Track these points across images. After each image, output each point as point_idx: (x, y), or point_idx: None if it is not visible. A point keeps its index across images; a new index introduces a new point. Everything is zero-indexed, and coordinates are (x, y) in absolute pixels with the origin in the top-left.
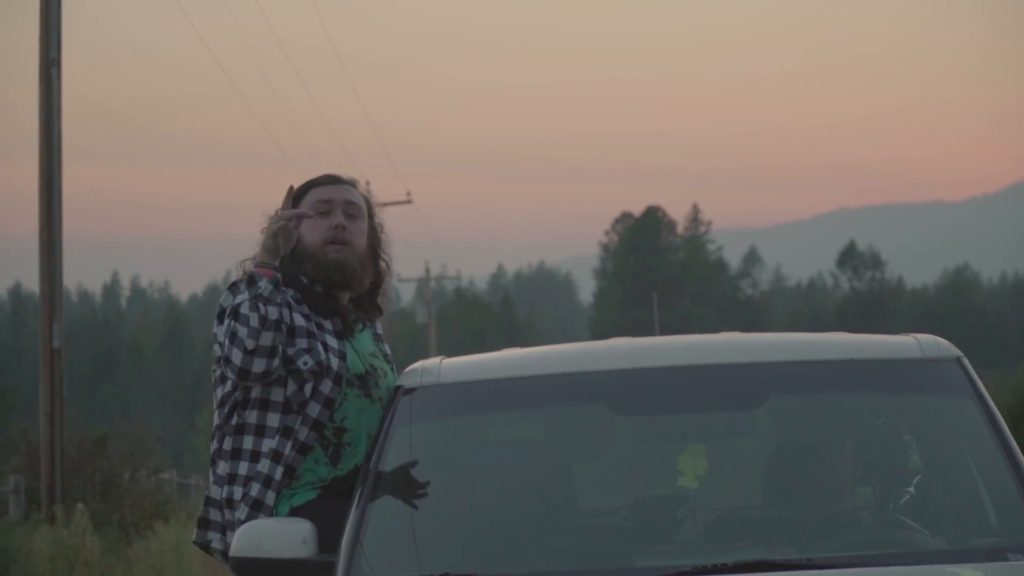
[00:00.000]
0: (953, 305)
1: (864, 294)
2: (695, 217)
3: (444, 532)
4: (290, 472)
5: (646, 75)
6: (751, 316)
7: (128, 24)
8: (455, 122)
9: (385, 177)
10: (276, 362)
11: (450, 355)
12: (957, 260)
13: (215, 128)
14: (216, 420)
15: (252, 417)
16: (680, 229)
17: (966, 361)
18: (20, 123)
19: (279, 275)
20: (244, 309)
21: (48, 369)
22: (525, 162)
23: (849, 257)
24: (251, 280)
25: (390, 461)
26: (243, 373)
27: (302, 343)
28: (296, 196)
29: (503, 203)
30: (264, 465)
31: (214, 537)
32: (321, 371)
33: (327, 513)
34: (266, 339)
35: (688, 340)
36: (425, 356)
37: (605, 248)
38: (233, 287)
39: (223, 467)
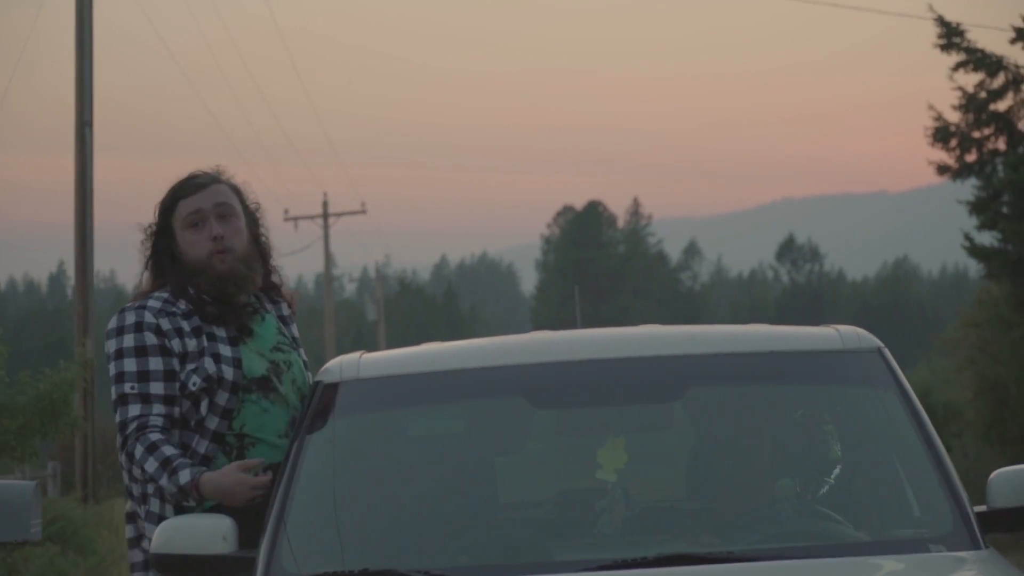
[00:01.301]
0: (891, 298)
1: (803, 286)
2: (636, 210)
3: (364, 527)
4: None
5: (590, 66)
6: (691, 308)
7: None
8: (398, 109)
9: (338, 183)
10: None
11: (397, 348)
12: (898, 252)
13: (157, 113)
14: (118, 439)
15: (153, 436)
16: (621, 223)
17: (887, 352)
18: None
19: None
20: (170, 488)
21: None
22: (467, 151)
23: (788, 250)
24: (174, 471)
25: (309, 456)
26: (144, 475)
27: (191, 366)
28: (165, 208)
29: (445, 192)
30: (164, 479)
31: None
32: (212, 386)
33: (244, 508)
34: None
35: (608, 333)
36: (374, 350)
37: (547, 241)
38: (120, 314)
39: (131, 485)
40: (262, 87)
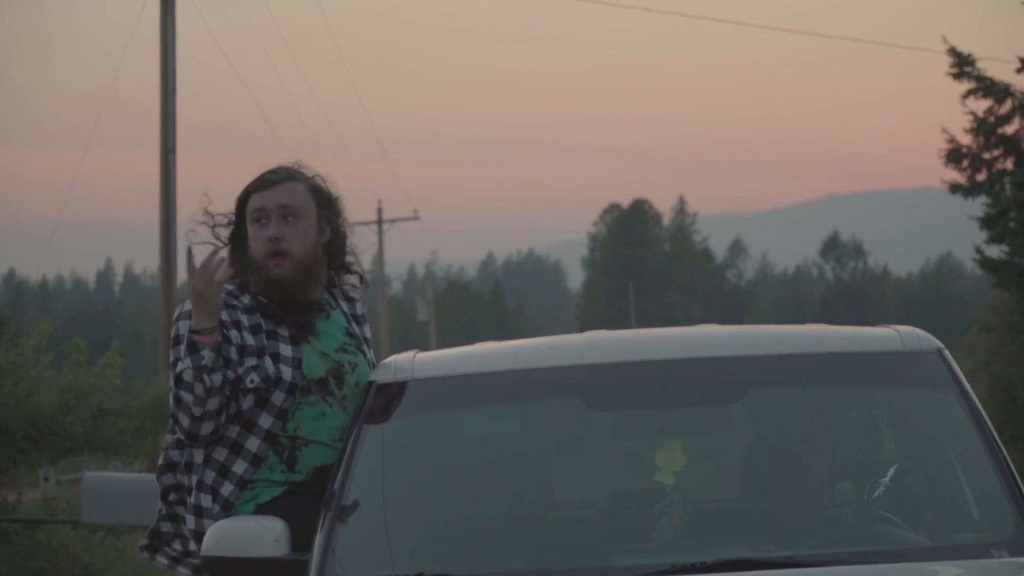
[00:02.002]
0: (935, 294)
1: (847, 283)
2: (681, 208)
3: (418, 531)
4: (242, 484)
5: (635, 60)
6: (736, 305)
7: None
8: (444, 107)
9: (388, 183)
10: (223, 419)
11: (446, 347)
12: (942, 248)
13: (207, 112)
14: (167, 440)
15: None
16: (666, 221)
17: (947, 353)
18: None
19: (220, 340)
20: (188, 377)
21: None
22: (514, 147)
23: (832, 247)
24: (192, 347)
25: (363, 457)
26: (191, 436)
27: (251, 361)
28: (240, 199)
29: (492, 188)
30: (209, 476)
31: (166, 544)
32: (269, 385)
33: (295, 510)
34: (212, 404)
35: (665, 333)
36: (425, 350)
37: (593, 238)
38: (184, 303)
39: (168, 479)
40: (315, 90)
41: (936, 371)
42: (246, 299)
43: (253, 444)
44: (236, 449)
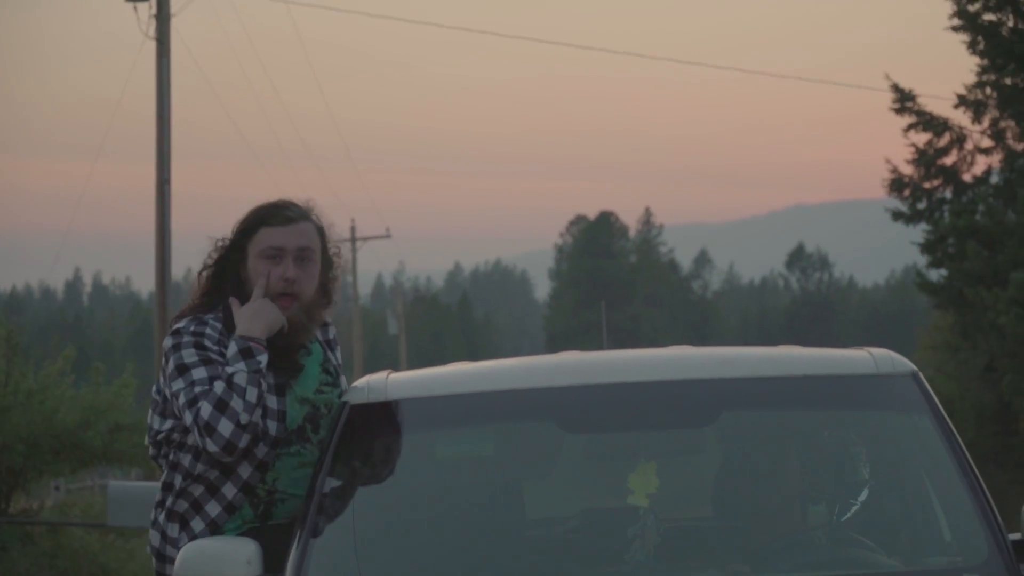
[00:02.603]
0: (900, 306)
1: (812, 295)
2: (647, 219)
3: (392, 552)
4: (213, 526)
5: (603, 72)
6: (702, 317)
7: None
8: (410, 115)
9: (355, 192)
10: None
11: (415, 359)
12: (908, 259)
13: (178, 118)
14: (151, 450)
15: (185, 460)
16: (632, 232)
17: (921, 376)
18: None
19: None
20: (241, 381)
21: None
22: (479, 157)
23: (798, 258)
24: (247, 352)
25: (336, 479)
26: (230, 447)
27: None
28: (245, 228)
29: (459, 198)
30: (182, 507)
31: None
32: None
33: (265, 538)
34: (257, 416)
35: (639, 355)
36: (395, 363)
37: (560, 250)
38: (176, 334)
39: (158, 494)
40: (283, 96)
41: (910, 394)
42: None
43: (229, 491)
44: (212, 490)
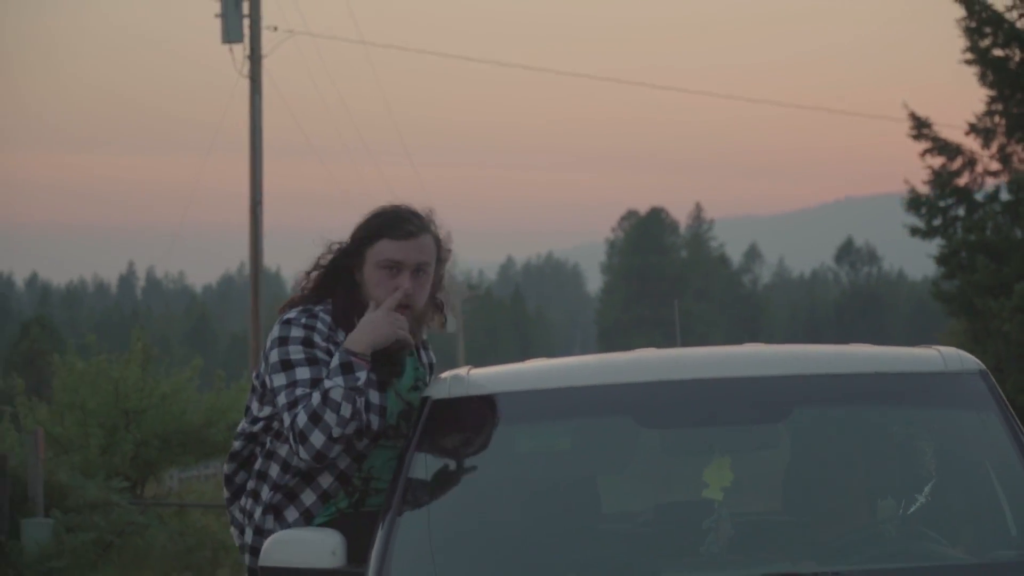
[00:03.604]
0: None
1: (862, 288)
2: (698, 215)
3: (472, 544)
4: (307, 515)
5: (653, 63)
6: (752, 311)
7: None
8: (463, 108)
9: (412, 193)
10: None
11: (471, 355)
12: None
13: (229, 116)
14: (246, 427)
15: (282, 451)
16: (683, 228)
17: (989, 374)
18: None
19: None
20: (337, 396)
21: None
22: (532, 150)
23: (846, 252)
24: (348, 367)
25: (419, 472)
26: (320, 457)
27: None
28: (366, 236)
29: (510, 190)
30: (276, 498)
31: (235, 534)
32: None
33: (351, 527)
34: (351, 428)
35: (713, 352)
36: (453, 361)
37: (611, 244)
38: (286, 324)
39: (250, 482)
40: (342, 93)
41: (977, 391)
42: (341, 336)
43: (325, 480)
44: (308, 479)
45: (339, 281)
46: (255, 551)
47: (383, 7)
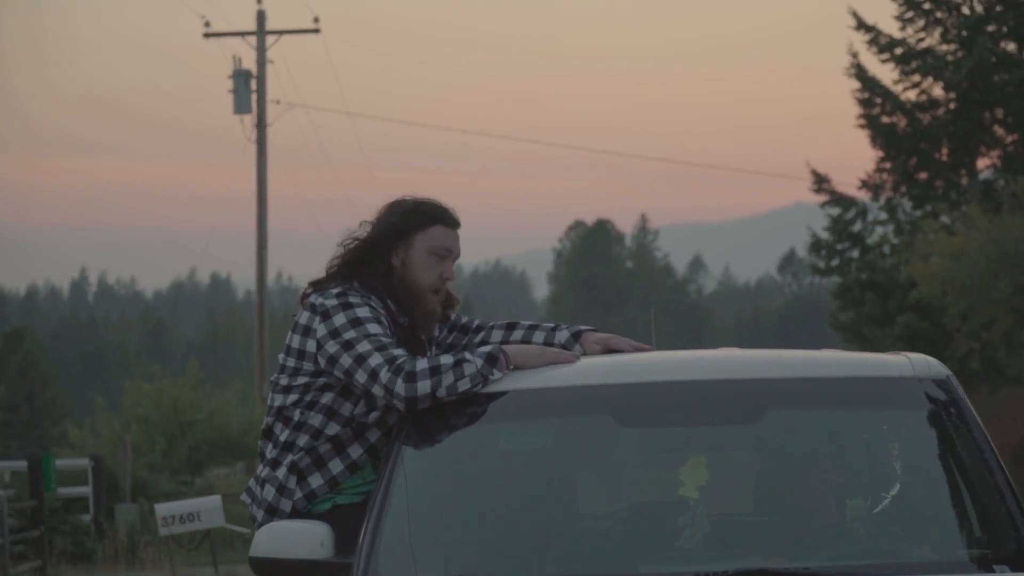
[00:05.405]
0: None
1: (804, 298)
2: (643, 226)
3: (457, 537)
4: (332, 483)
5: (605, 71)
6: (695, 319)
7: (124, 17)
8: (413, 112)
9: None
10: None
11: None
12: None
13: (185, 120)
14: (277, 402)
15: (315, 421)
16: (628, 239)
17: (955, 380)
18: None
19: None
20: (468, 370)
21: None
22: (479, 156)
23: (789, 263)
24: (492, 359)
25: (405, 468)
26: (412, 402)
27: None
28: (420, 221)
29: (459, 197)
30: (304, 462)
31: (252, 506)
32: (390, 414)
33: (348, 517)
34: (449, 398)
35: (690, 356)
36: None
37: (558, 254)
38: (341, 295)
39: (271, 451)
40: (302, 93)
41: (944, 397)
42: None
43: (356, 451)
44: (338, 448)
45: (373, 260)
46: (272, 509)
47: (368, 81)
